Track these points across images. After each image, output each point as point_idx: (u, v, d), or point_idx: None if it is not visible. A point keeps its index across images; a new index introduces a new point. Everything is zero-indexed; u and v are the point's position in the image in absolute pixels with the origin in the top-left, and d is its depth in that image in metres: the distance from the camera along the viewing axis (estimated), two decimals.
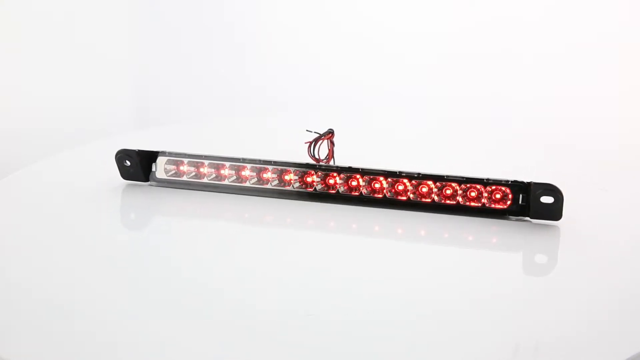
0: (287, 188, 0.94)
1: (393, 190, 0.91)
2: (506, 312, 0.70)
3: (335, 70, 2.10)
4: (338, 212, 0.91)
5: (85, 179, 1.02)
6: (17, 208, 0.94)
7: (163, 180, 0.98)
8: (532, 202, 0.85)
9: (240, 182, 0.96)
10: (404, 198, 0.90)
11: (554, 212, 0.85)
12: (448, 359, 0.63)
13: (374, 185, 0.91)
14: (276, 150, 1.00)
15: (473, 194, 0.88)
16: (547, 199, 0.85)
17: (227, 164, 0.96)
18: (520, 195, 0.86)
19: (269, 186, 0.95)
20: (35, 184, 1.04)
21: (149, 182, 0.99)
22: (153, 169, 0.98)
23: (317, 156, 0.99)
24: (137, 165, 0.97)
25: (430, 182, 0.89)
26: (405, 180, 0.90)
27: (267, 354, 0.63)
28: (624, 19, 1.76)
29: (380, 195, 0.91)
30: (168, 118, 2.30)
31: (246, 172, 0.95)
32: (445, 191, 0.89)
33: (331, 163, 1.00)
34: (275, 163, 0.94)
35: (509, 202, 0.87)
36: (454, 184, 0.88)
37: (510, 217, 0.88)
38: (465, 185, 0.88)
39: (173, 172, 0.98)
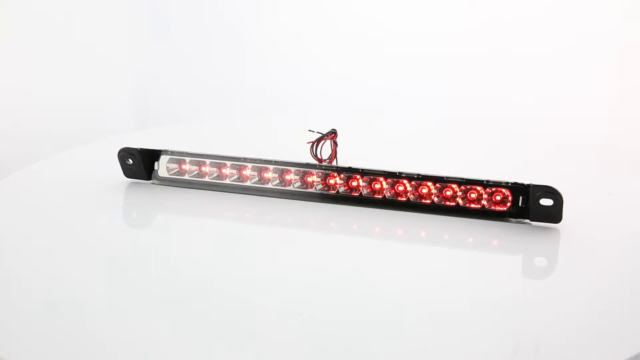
0: (288, 188, 0.94)
1: (393, 191, 0.91)
2: (506, 312, 0.70)
3: (336, 70, 2.10)
4: (338, 212, 0.91)
5: (86, 179, 1.02)
6: (18, 208, 0.94)
7: (165, 178, 0.99)
8: (531, 205, 0.85)
9: (242, 182, 0.96)
10: (404, 199, 0.90)
11: (554, 214, 0.84)
12: (448, 359, 0.63)
13: (374, 185, 0.91)
14: (276, 150, 1.00)
15: (473, 195, 0.88)
16: (546, 202, 0.84)
17: (229, 163, 0.96)
18: (520, 198, 0.86)
19: (269, 185, 0.95)
20: (36, 183, 1.04)
21: (151, 181, 1.00)
22: (155, 168, 0.99)
23: (319, 156, 0.99)
24: (140, 164, 0.98)
25: (430, 183, 0.89)
26: (405, 181, 0.90)
27: (267, 353, 0.63)
28: (624, 19, 1.76)
29: (380, 196, 0.91)
30: (168, 118, 2.30)
31: (247, 172, 0.95)
32: (445, 192, 0.89)
33: (334, 163, 1.00)
34: (276, 163, 0.94)
35: (508, 204, 0.87)
36: (453, 186, 0.88)
37: (511, 219, 0.87)
38: (465, 187, 0.88)
39: (175, 170, 0.98)
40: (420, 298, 0.72)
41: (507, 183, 0.86)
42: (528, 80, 1.88)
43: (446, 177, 0.89)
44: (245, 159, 0.96)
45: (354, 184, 0.92)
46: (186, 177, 0.98)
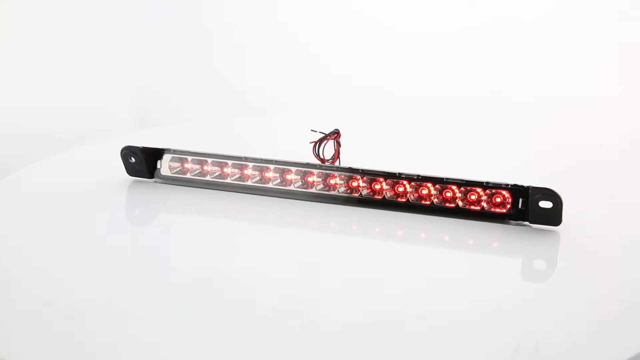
0: (288, 188, 0.94)
1: (393, 192, 0.91)
2: (506, 313, 0.70)
3: (336, 71, 2.10)
4: (339, 212, 0.91)
5: (86, 178, 1.03)
6: (18, 208, 0.94)
7: (167, 177, 0.99)
8: (530, 207, 0.84)
9: (243, 181, 0.96)
10: (404, 200, 0.90)
11: (553, 217, 0.84)
12: (448, 359, 0.63)
13: (374, 186, 0.91)
14: (276, 150, 1.00)
15: (473, 197, 0.87)
16: (545, 204, 0.83)
17: (230, 162, 0.96)
18: (520, 200, 0.85)
19: (270, 185, 0.95)
20: (36, 183, 1.04)
21: (153, 179, 1.00)
22: (158, 166, 0.99)
23: (322, 156, 0.99)
24: (142, 162, 0.98)
25: (429, 184, 0.89)
26: (405, 182, 0.90)
27: (267, 353, 0.63)
28: (624, 19, 1.76)
29: (380, 197, 0.91)
30: (168, 118, 2.30)
31: (248, 171, 0.96)
32: (445, 194, 0.88)
33: (336, 163, 1.00)
34: (276, 162, 0.95)
35: (508, 206, 0.86)
36: (453, 187, 0.88)
37: (511, 221, 0.87)
38: (465, 188, 0.87)
39: (177, 169, 0.99)
40: (421, 298, 0.72)
41: (507, 185, 0.86)
42: (528, 80, 1.88)
43: (446, 179, 0.88)
44: (246, 158, 0.96)
45: (354, 184, 0.92)
46: (188, 175, 0.99)
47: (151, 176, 1.00)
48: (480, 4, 1.91)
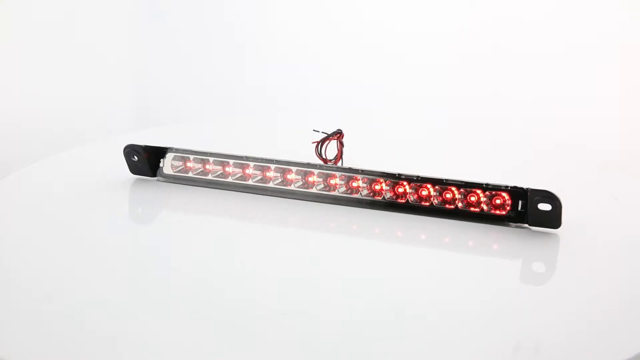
0: (289, 187, 0.94)
1: (393, 193, 0.90)
2: (506, 313, 0.70)
3: (336, 71, 2.10)
4: (339, 212, 0.91)
5: (86, 178, 1.03)
6: (18, 207, 0.94)
7: (170, 176, 0.99)
8: (529, 210, 0.83)
9: (244, 180, 0.96)
10: (403, 201, 0.90)
11: (553, 219, 0.83)
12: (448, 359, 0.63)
13: (374, 187, 0.91)
14: (276, 150, 1.00)
15: (473, 198, 0.87)
16: (545, 206, 0.83)
17: (231, 161, 0.96)
18: (520, 202, 0.84)
19: (270, 185, 0.95)
20: (36, 183, 1.04)
21: (156, 178, 1.00)
22: (161, 165, 0.99)
23: (324, 156, 0.99)
24: (144, 161, 0.99)
25: (429, 186, 0.88)
26: (405, 183, 0.89)
27: (267, 353, 0.63)
28: (624, 19, 1.76)
29: (380, 197, 0.91)
30: (168, 118, 2.30)
31: (250, 170, 0.96)
32: (445, 195, 0.88)
33: (339, 164, 1.00)
34: (277, 162, 0.95)
35: (508, 208, 0.85)
36: (453, 188, 0.87)
37: (510, 223, 0.86)
38: (465, 190, 0.87)
39: (180, 168, 0.99)
40: (421, 299, 0.72)
41: (507, 187, 0.85)
42: (528, 80, 1.88)
43: (445, 180, 0.88)
44: (247, 158, 0.96)
45: (355, 184, 0.92)
46: (190, 174, 0.99)
47: (154, 175, 1.00)
48: (480, 4, 1.91)
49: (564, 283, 0.77)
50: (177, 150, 0.99)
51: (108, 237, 0.86)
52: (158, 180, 1.01)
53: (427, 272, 0.78)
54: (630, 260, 0.81)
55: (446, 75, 1.96)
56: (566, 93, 1.83)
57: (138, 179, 1.01)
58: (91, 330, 0.66)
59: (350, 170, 0.92)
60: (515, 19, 1.87)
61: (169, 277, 0.76)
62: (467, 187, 0.87)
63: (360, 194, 0.92)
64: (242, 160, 0.97)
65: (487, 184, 0.86)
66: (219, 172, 0.98)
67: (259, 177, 0.96)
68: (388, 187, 0.91)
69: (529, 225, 0.85)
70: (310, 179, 0.94)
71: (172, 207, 0.97)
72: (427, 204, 0.89)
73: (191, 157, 0.99)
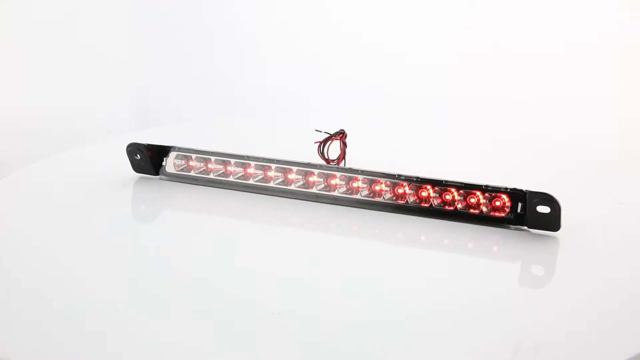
0: (290, 187, 0.95)
1: (392, 194, 0.90)
2: (506, 314, 0.70)
3: (336, 71, 2.10)
4: (339, 213, 0.91)
5: (87, 178, 1.03)
6: (18, 207, 0.94)
7: (172, 174, 1.00)
8: (528, 212, 0.82)
9: (245, 180, 0.97)
10: (403, 202, 0.90)
11: (551, 222, 0.82)
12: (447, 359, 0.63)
13: (374, 187, 0.91)
14: (276, 150, 1.00)
15: (473, 200, 0.86)
16: (543, 209, 0.82)
17: (233, 160, 0.97)
18: (519, 204, 0.83)
19: (271, 184, 0.95)
20: (36, 183, 1.04)
21: (158, 176, 1.00)
22: (163, 164, 0.99)
23: (326, 156, 0.99)
24: (147, 159, 0.99)
25: (429, 187, 0.88)
26: (405, 184, 0.89)
27: (266, 352, 0.63)
28: (624, 19, 1.76)
29: (380, 198, 0.91)
30: (168, 118, 2.30)
31: (251, 170, 0.96)
32: (444, 196, 0.88)
33: (342, 164, 1.00)
34: (278, 162, 0.95)
35: (507, 210, 0.85)
36: (453, 190, 0.87)
37: (510, 225, 0.85)
38: (465, 191, 0.87)
39: (183, 167, 0.99)
40: (421, 299, 0.72)
41: (506, 189, 0.84)
42: (528, 80, 1.88)
43: (445, 181, 0.88)
44: (248, 157, 0.97)
45: (355, 185, 0.92)
46: (192, 173, 0.99)
47: (156, 173, 1.01)
48: (480, 4, 1.91)
49: (564, 284, 0.77)
50: (179, 149, 1.00)
51: (108, 237, 0.86)
52: (161, 178, 1.01)
53: (426, 273, 0.78)
54: (630, 260, 0.80)
55: (446, 75, 1.96)
56: (566, 93, 1.83)
57: (140, 178, 1.01)
58: (91, 330, 0.66)
59: (350, 170, 0.92)
60: (515, 19, 1.87)
61: (169, 276, 0.76)
62: (467, 188, 0.87)
63: (360, 194, 0.92)
64: (243, 159, 0.97)
65: (486, 186, 0.86)
66: (220, 171, 0.99)
67: (260, 177, 0.96)
68: (388, 188, 0.91)
69: (528, 227, 0.84)
70: (311, 179, 0.94)
71: (174, 206, 0.98)
72: (427, 205, 0.89)
73: (193, 156, 0.99)
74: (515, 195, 0.84)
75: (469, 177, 0.88)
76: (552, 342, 0.65)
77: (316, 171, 0.94)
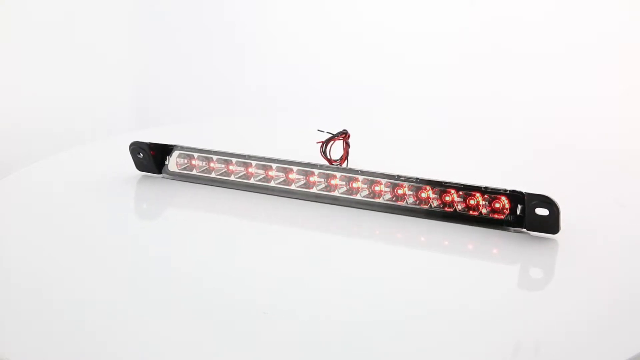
0: (290, 187, 0.95)
1: (392, 195, 0.90)
2: (506, 314, 0.70)
3: (336, 71, 2.10)
4: (339, 213, 0.91)
5: (87, 178, 1.03)
6: (18, 207, 0.94)
7: (175, 173, 1.00)
8: (527, 214, 0.82)
9: (246, 179, 0.97)
10: (403, 202, 0.90)
11: (550, 225, 0.81)
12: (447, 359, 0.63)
13: (374, 188, 0.91)
14: (276, 150, 1.00)
15: (472, 201, 0.86)
16: (542, 211, 0.81)
17: (234, 160, 0.97)
18: (519, 206, 0.83)
19: (272, 184, 0.95)
20: (36, 183, 1.04)
21: (161, 175, 1.01)
22: (166, 162, 1.00)
23: (329, 156, 0.99)
24: (150, 158, 1.00)
25: (429, 188, 0.88)
26: (405, 185, 0.89)
27: (266, 352, 0.63)
28: (624, 19, 1.76)
29: (380, 199, 0.91)
30: (168, 118, 2.30)
31: (252, 169, 0.96)
32: (444, 198, 0.88)
33: (345, 164, 1.00)
34: (279, 161, 0.95)
35: (506, 212, 0.84)
36: (452, 191, 0.87)
37: (509, 227, 0.85)
38: (464, 193, 0.87)
39: (185, 166, 1.00)
40: (421, 299, 0.72)
41: (506, 190, 0.84)
42: (528, 80, 1.88)
43: (444, 182, 0.87)
44: (250, 157, 0.97)
45: (355, 185, 0.92)
46: (194, 172, 1.00)
47: (159, 172, 1.01)
48: (480, 4, 1.91)
49: (564, 284, 0.77)
50: (182, 148, 1.00)
51: (108, 237, 0.86)
52: (163, 177, 1.01)
53: (426, 274, 0.78)
54: (630, 261, 0.80)
55: (446, 75, 1.96)
56: (566, 93, 1.83)
57: (142, 177, 1.02)
58: (91, 330, 0.66)
59: (350, 170, 0.92)
60: (515, 19, 1.87)
61: (170, 276, 0.76)
62: (466, 190, 0.86)
63: (360, 194, 0.92)
64: (244, 159, 0.97)
65: (486, 188, 0.85)
66: (222, 171, 0.99)
67: (261, 176, 0.97)
68: (388, 189, 0.91)
69: (527, 230, 0.84)
70: (311, 179, 0.94)
71: (176, 205, 0.98)
72: (427, 206, 0.89)
73: (196, 155, 1.00)
74: (515, 197, 0.84)
75: (469, 177, 0.88)
76: (552, 342, 0.65)
77: (316, 171, 0.94)
